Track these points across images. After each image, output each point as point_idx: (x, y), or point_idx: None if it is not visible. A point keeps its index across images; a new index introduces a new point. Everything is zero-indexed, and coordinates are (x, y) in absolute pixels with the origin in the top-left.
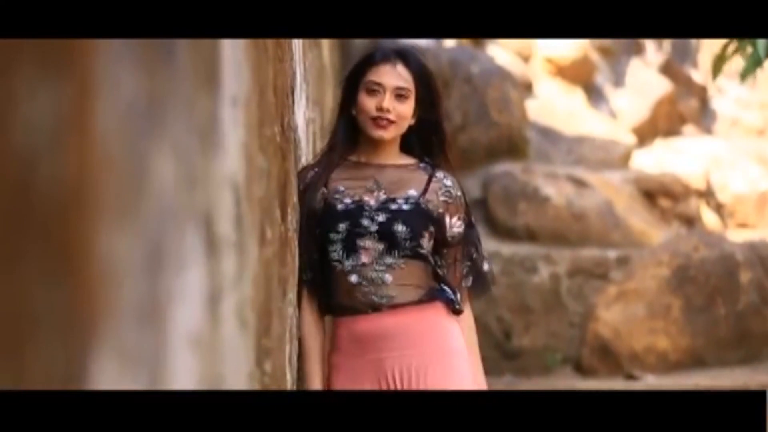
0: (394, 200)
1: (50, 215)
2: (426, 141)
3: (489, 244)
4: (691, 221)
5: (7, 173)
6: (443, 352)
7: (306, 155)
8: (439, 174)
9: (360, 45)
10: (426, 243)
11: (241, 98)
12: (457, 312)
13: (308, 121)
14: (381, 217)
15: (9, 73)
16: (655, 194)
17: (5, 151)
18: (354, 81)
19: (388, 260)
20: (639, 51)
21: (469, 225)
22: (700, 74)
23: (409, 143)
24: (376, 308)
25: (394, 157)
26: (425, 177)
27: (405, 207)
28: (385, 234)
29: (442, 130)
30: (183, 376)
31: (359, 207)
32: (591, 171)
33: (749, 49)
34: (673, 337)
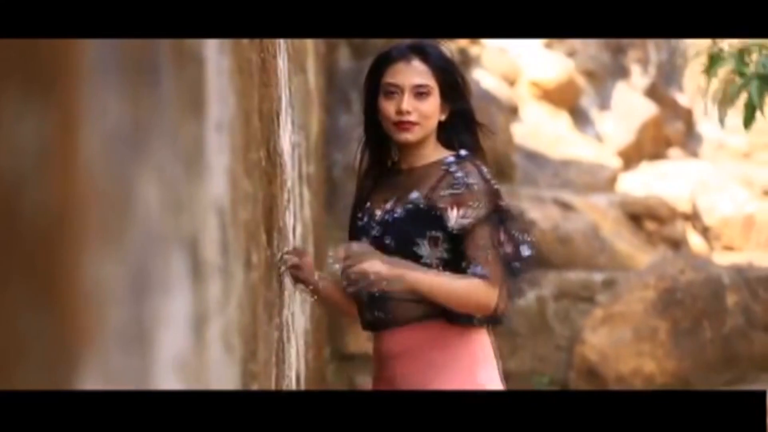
0: (393, 209)
1: (36, 240)
2: (461, 133)
3: None
4: (677, 244)
5: None
6: (443, 378)
7: (292, 179)
8: (454, 167)
9: (347, 70)
10: (426, 250)
11: (226, 123)
12: (465, 323)
13: (294, 145)
14: (375, 231)
15: None
16: (642, 217)
17: None
18: (371, 84)
19: None
20: (625, 74)
21: (492, 210)
22: (685, 97)
23: (447, 138)
24: (386, 325)
25: (427, 156)
26: (441, 173)
27: (398, 215)
28: (378, 249)
29: (472, 121)
30: None
31: (369, 222)
32: (577, 194)
33: (743, 93)
34: (659, 360)
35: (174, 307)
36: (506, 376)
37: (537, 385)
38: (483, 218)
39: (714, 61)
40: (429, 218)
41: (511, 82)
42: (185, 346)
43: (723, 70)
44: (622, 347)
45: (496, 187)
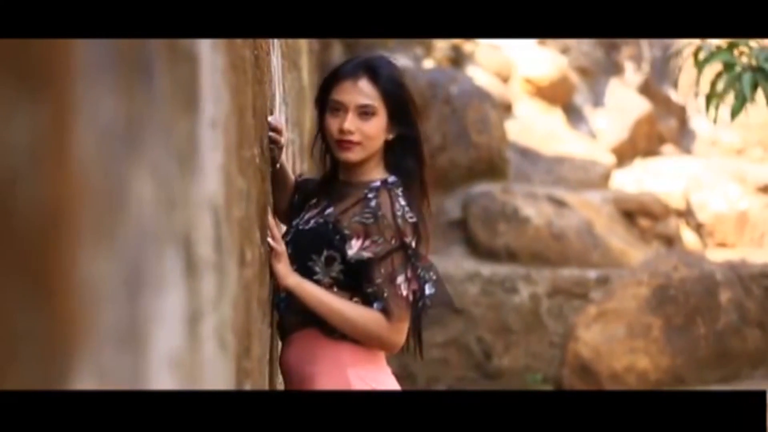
0: (309, 220)
1: (29, 238)
2: (403, 158)
3: (469, 264)
4: (670, 241)
5: None
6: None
7: None
8: (372, 194)
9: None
10: (321, 267)
11: (220, 120)
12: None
13: (288, 142)
14: (289, 235)
15: None
16: (635, 214)
17: None
18: (320, 99)
19: None
20: (618, 71)
21: (396, 248)
22: (678, 94)
23: (392, 160)
24: (283, 335)
25: (365, 174)
26: (361, 196)
27: (308, 226)
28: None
29: (416, 147)
30: None
31: (293, 226)
32: (570, 191)
33: (736, 86)
34: (653, 356)
35: (168, 305)
36: (500, 373)
37: (531, 381)
38: (382, 254)
39: (703, 58)
40: (331, 239)
41: (505, 79)
42: (179, 343)
43: (712, 66)
44: (616, 344)
45: (412, 220)
